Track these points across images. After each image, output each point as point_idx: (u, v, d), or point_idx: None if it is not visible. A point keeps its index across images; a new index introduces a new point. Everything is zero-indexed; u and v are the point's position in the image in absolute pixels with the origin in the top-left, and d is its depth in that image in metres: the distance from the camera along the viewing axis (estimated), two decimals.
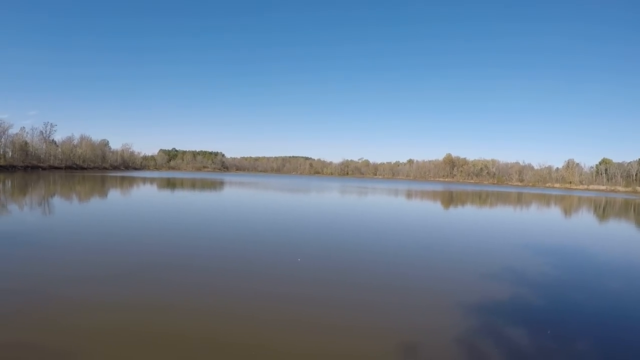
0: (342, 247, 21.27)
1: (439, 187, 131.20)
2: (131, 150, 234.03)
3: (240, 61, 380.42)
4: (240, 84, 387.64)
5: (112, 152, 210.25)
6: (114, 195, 53.79)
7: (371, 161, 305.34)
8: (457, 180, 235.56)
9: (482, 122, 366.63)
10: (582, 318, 11.97)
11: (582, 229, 38.13)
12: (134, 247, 19.40)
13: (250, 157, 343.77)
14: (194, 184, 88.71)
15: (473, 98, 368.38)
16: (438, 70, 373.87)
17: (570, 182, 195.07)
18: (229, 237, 23.12)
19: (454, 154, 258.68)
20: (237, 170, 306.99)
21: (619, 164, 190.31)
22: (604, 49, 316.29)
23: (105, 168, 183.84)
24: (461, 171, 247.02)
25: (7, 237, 20.37)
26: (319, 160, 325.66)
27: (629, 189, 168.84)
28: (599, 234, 35.45)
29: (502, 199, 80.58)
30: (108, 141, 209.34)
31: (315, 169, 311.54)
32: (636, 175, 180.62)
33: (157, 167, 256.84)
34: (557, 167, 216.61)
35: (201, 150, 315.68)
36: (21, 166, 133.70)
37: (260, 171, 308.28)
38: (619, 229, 40.73)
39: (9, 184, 66.57)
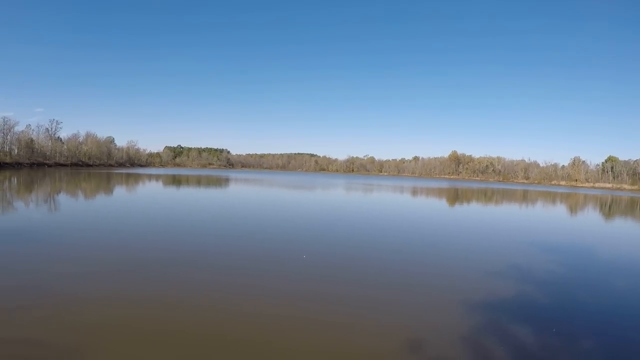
0: (348, 244, 21.27)
1: (444, 184, 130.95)
2: (137, 147, 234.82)
3: (245, 58, 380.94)
4: (246, 81, 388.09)
5: (118, 149, 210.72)
6: (120, 192, 53.97)
7: (376, 158, 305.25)
8: (463, 178, 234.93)
9: (487, 120, 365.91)
10: (588, 316, 11.93)
11: (588, 227, 38.02)
12: (139, 243, 19.46)
13: (256, 154, 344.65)
14: (199, 181, 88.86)
15: (479, 95, 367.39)
16: (443, 67, 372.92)
17: (576, 180, 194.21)
18: (235, 233, 23.15)
19: (460, 151, 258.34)
20: (242, 167, 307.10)
21: (625, 161, 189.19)
22: (610, 47, 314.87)
23: (110, 165, 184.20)
24: (467, 168, 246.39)
25: (13, 234, 20.45)
26: (324, 157, 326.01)
27: (635, 187, 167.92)
28: (605, 232, 35.34)
29: (507, 196, 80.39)
30: (113, 138, 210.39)
31: (320, 166, 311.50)
32: None
33: (162, 164, 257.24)
34: (563, 165, 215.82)
35: (206, 147, 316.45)
36: (27, 163, 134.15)
37: (266, 168, 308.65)
38: (625, 227, 40.56)
39: (14, 181, 66.86)
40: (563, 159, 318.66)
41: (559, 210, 57.13)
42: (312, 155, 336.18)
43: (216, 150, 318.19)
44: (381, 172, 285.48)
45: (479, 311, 11.67)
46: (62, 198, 42.25)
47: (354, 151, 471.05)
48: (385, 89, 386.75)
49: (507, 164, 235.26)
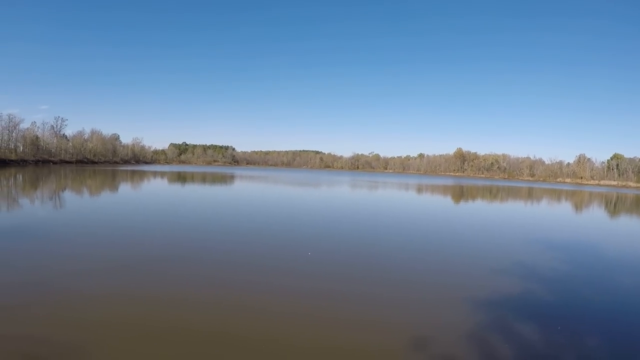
0: (352, 242, 21.27)
1: (449, 182, 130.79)
2: (142, 144, 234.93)
3: (250, 56, 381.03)
4: (250, 79, 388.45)
5: (123, 146, 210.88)
6: (124, 189, 54.10)
7: (382, 155, 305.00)
8: (468, 175, 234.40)
9: (493, 117, 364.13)
10: (593, 314, 11.91)
11: (593, 224, 37.90)
12: (144, 240, 19.51)
13: (261, 151, 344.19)
14: (204, 178, 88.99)
15: (484, 92, 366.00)
16: (448, 64, 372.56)
17: (582, 177, 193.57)
18: (239, 230, 23.19)
19: (465, 149, 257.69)
20: (247, 164, 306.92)
21: (630, 159, 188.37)
22: (616, 45, 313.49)
23: (116, 162, 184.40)
24: (472, 166, 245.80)
25: (17, 231, 20.55)
26: (329, 154, 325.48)
27: None
28: (610, 229, 35.24)
29: (512, 193, 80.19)
30: (119, 135, 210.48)
31: (325, 163, 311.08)
32: None
33: (167, 161, 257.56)
34: (568, 162, 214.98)
35: (212, 144, 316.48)
36: (32, 160, 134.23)
37: (271, 165, 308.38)
38: (630, 224, 40.43)
39: (20, 178, 67.03)
40: (568, 157, 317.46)
41: (564, 207, 56.95)
42: (317, 152, 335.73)
43: (221, 147, 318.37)
44: (386, 169, 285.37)
45: (484, 308, 11.66)
46: (67, 195, 42.35)
47: (359, 148, 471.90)
48: (390, 87, 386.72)
49: (513, 161, 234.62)
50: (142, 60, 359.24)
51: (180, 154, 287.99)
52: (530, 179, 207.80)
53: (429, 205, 50.35)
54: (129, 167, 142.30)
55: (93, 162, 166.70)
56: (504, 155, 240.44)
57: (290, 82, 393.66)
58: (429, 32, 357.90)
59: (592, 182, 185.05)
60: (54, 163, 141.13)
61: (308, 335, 9.52)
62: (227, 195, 51.68)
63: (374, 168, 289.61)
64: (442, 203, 53.65)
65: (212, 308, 10.88)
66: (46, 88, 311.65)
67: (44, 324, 9.48)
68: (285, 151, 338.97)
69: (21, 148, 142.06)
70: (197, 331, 9.34)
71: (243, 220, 27.52)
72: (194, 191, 55.42)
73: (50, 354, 8.24)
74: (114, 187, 54.61)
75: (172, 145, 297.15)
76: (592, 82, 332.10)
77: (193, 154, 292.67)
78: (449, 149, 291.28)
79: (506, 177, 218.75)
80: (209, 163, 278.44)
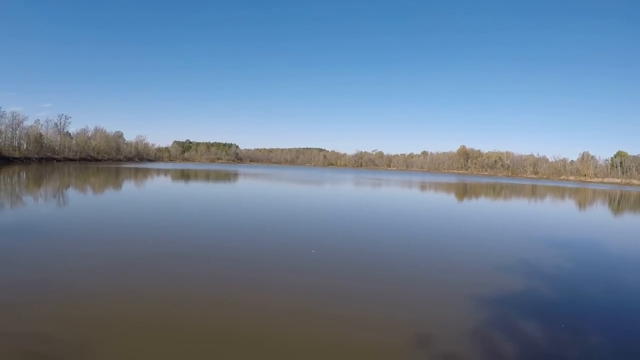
0: (356, 239, 21.28)
1: (453, 179, 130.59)
2: (145, 142, 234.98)
3: (253, 54, 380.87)
4: (254, 77, 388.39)
5: (126, 144, 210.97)
6: (128, 186, 54.17)
7: (385, 153, 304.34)
8: (471, 173, 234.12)
9: (496, 114, 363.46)
10: (596, 311, 11.89)
11: (596, 222, 37.82)
12: (148, 238, 19.54)
13: (264, 149, 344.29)
14: (208, 176, 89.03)
15: (487, 90, 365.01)
16: (452, 62, 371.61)
17: (585, 175, 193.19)
18: (243, 228, 23.19)
19: (468, 146, 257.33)
20: (251, 161, 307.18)
21: (634, 157, 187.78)
22: (619, 42, 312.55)
23: (119, 160, 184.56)
24: (475, 163, 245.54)
25: (21, 228, 20.61)
26: (332, 151, 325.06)
27: None
28: (614, 227, 35.17)
29: (516, 191, 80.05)
30: (122, 133, 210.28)
31: (329, 161, 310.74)
32: None
33: (171, 159, 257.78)
34: (572, 160, 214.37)
35: (215, 142, 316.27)
36: (36, 158, 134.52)
37: (274, 163, 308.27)
38: (634, 222, 40.37)
39: (23, 175, 67.19)
40: (572, 154, 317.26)
41: (568, 205, 56.86)
42: (320, 149, 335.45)
43: (224, 144, 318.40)
44: (390, 166, 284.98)
45: (487, 306, 11.66)
46: (71, 193, 42.47)
47: (362, 146, 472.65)
48: (394, 84, 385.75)
49: (516, 158, 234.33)
50: (145, 58, 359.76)
51: (184, 152, 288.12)
52: (534, 176, 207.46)
53: (433, 202, 50.31)
54: (133, 165, 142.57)
55: (96, 160, 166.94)
56: (507, 153, 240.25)
57: (294, 79, 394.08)
58: (431, 30, 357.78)
59: (595, 179, 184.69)
60: (58, 161, 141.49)
61: (312, 333, 9.53)
62: (231, 193, 51.71)
63: (377, 166, 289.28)
64: (445, 201, 53.59)
65: (216, 306, 10.90)
66: (50, 86, 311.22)
67: (48, 322, 9.51)
68: (289, 149, 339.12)
69: (25, 146, 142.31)
70: (201, 329, 9.36)
71: (246, 217, 27.52)
72: (198, 189, 55.50)
73: (55, 351, 8.27)
74: (118, 185, 54.71)
75: (176, 142, 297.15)
76: (595, 80, 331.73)
77: (196, 152, 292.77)
78: (453, 147, 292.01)
79: (510, 174, 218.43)
80: (212, 161, 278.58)
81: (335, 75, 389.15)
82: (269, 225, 24.46)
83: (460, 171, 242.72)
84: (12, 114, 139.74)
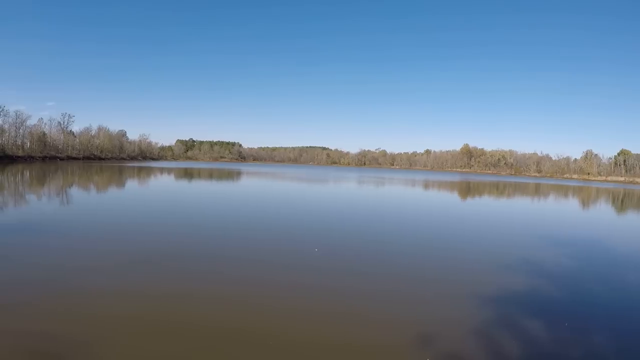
0: (360, 238, 21.29)
1: (456, 178, 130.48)
2: (148, 140, 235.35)
3: (256, 52, 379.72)
4: (257, 75, 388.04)
5: (130, 143, 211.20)
6: (132, 185, 54.28)
7: (388, 151, 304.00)
8: (475, 171, 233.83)
9: (499, 113, 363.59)
10: (600, 310, 11.87)
11: (600, 220, 37.72)
12: (151, 236, 19.58)
13: (268, 148, 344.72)
14: (211, 175, 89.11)
15: (490, 89, 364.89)
16: (454, 61, 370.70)
17: (589, 173, 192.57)
18: (246, 227, 23.19)
19: (472, 145, 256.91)
20: (254, 160, 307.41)
21: (637, 155, 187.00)
22: (622, 41, 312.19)
23: (122, 158, 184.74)
24: (479, 162, 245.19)
25: (25, 227, 20.63)
26: (336, 150, 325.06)
27: None
28: (617, 226, 35.12)
29: (519, 189, 79.92)
30: (126, 132, 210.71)
31: (332, 159, 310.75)
32: None
33: (174, 158, 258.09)
34: (575, 158, 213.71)
35: (218, 141, 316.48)
36: (39, 157, 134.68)
37: (278, 161, 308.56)
38: (637, 221, 40.29)
39: (27, 174, 67.29)
40: (575, 153, 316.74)
41: (571, 203, 56.78)
42: (324, 148, 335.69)
43: (228, 143, 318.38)
44: (393, 165, 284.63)
45: (491, 304, 11.66)
46: (75, 191, 42.57)
47: (365, 144, 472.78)
48: (397, 83, 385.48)
49: (519, 157, 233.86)
50: (148, 57, 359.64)
51: (187, 150, 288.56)
52: (537, 175, 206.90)
53: (436, 201, 50.29)
54: (136, 164, 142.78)
55: (100, 159, 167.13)
56: (510, 151, 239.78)
57: (297, 78, 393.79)
58: (435, 29, 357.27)
59: (599, 178, 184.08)
60: (61, 159, 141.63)
61: (316, 331, 9.55)
62: (234, 191, 51.79)
63: (380, 164, 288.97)
64: (449, 199, 53.55)
65: (221, 304, 10.92)
66: (53, 85, 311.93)
67: (53, 320, 9.53)
68: (292, 147, 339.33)
69: (28, 144, 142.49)
70: (205, 327, 9.38)
71: (250, 217, 27.54)
72: (202, 188, 55.57)
73: (60, 349, 8.29)
74: (122, 184, 54.79)
75: (179, 141, 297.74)
76: (599, 78, 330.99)
77: (200, 150, 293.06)
78: (456, 145, 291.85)
79: (513, 173, 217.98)
80: (215, 159, 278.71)
81: (339, 74, 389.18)
82: (272, 224, 24.49)
83: (464, 170, 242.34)
84: (16, 113, 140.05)
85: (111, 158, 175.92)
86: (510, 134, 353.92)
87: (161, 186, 55.05)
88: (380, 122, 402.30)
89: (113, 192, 43.91)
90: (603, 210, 49.50)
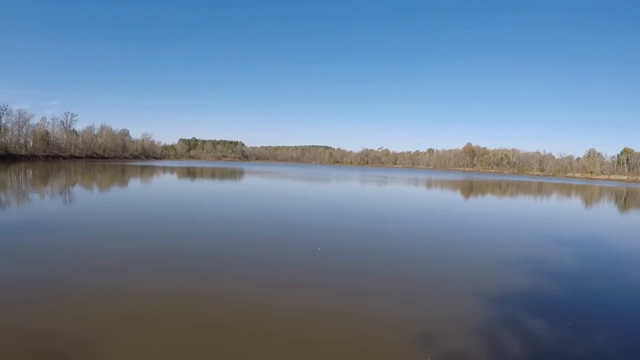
0: (361, 237, 21.26)
1: (459, 177, 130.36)
2: (151, 139, 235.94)
3: (258, 51, 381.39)
4: (260, 74, 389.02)
5: (133, 142, 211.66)
6: (135, 184, 54.35)
7: (391, 150, 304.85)
8: (477, 170, 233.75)
9: (502, 112, 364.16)
10: (603, 309, 11.83)
11: (603, 219, 37.62)
12: (153, 235, 19.60)
13: (270, 147, 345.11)
14: (214, 173, 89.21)
15: (493, 88, 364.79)
16: (457, 60, 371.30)
17: (592, 172, 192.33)
18: (248, 226, 23.18)
19: (474, 144, 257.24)
20: (256, 159, 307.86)
21: None
22: (625, 39, 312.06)
23: (125, 157, 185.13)
24: (481, 161, 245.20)
25: (27, 226, 20.67)
26: (338, 149, 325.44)
27: None
28: (620, 224, 35.05)
29: (522, 188, 79.79)
30: (128, 131, 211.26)
31: (334, 158, 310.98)
32: None
33: (177, 157, 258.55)
34: (578, 157, 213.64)
35: (221, 140, 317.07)
36: (42, 156, 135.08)
37: (280, 160, 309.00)
38: None
39: (30, 173, 67.40)
40: (578, 151, 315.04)
41: (574, 202, 56.65)
42: (326, 147, 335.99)
43: (230, 142, 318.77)
44: (395, 164, 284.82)
45: (493, 303, 11.62)
46: (78, 190, 42.64)
47: (368, 144, 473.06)
48: (400, 82, 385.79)
49: (522, 156, 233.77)
50: (151, 56, 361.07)
51: (190, 150, 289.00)
52: (540, 173, 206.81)
53: (439, 200, 50.24)
54: (139, 163, 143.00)
55: (103, 158, 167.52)
56: (513, 150, 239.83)
57: (299, 77, 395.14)
58: (437, 28, 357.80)
59: (602, 176, 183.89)
60: (64, 158, 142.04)
61: (319, 330, 9.53)
62: (237, 190, 51.84)
63: (383, 163, 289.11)
64: (451, 198, 53.48)
65: (223, 303, 10.90)
66: (56, 84, 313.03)
67: (55, 319, 9.53)
68: (295, 146, 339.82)
69: (31, 143, 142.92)
70: (207, 326, 9.36)
71: (252, 216, 27.55)
72: (205, 187, 55.64)
73: (61, 348, 8.28)
74: (125, 183, 54.86)
75: (182, 140, 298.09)
76: (601, 77, 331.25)
77: (202, 149, 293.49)
78: (459, 144, 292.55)
79: (516, 172, 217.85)
80: (218, 158, 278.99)
81: (341, 73, 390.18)
82: (275, 223, 24.50)
83: (466, 169, 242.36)
84: (19, 112, 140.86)
85: (114, 157, 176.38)
86: (513, 132, 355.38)
87: (163, 185, 55.11)
88: (382, 121, 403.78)
89: (116, 191, 43.97)
90: (606, 208, 49.39)
